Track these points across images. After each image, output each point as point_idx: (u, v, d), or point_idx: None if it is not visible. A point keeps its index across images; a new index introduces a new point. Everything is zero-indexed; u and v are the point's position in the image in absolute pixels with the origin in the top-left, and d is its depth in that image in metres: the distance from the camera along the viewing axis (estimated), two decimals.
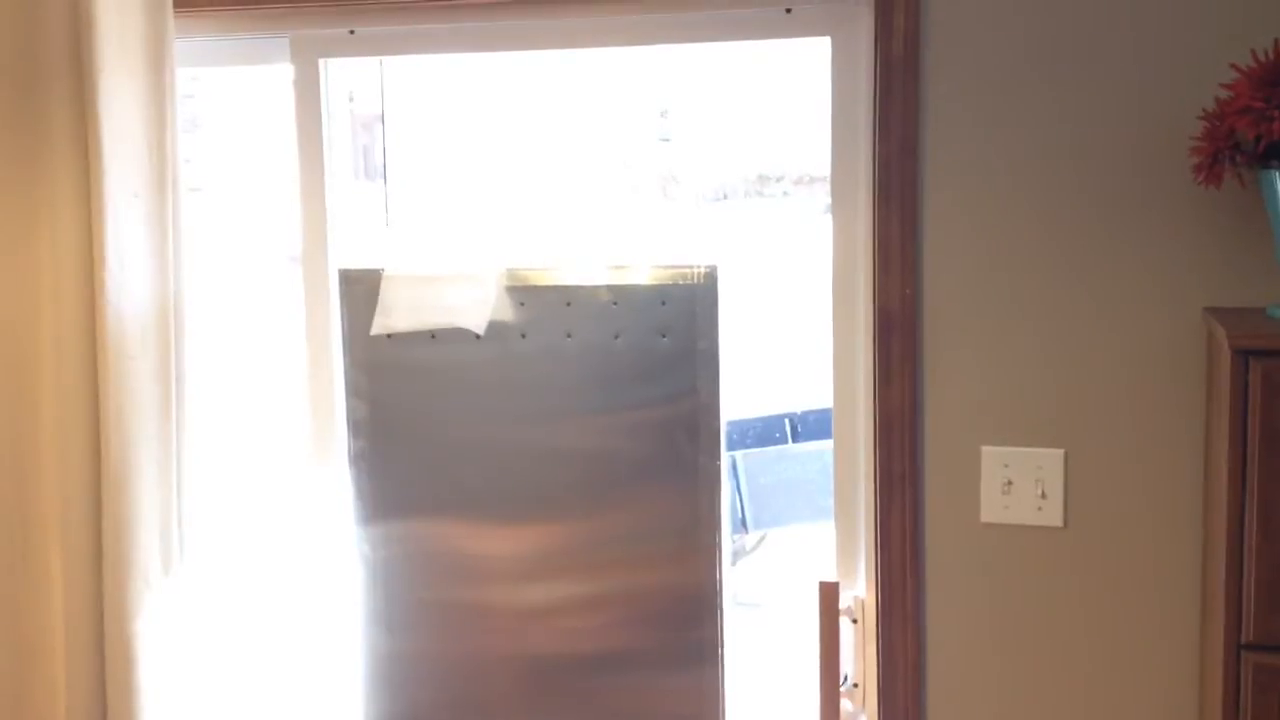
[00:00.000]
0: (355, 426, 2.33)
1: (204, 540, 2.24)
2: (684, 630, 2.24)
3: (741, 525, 4.96)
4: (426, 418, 2.31)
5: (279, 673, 2.36)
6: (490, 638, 2.30)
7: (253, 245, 2.32)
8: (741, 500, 4.95)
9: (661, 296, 2.21)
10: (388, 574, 2.34)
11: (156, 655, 2.19)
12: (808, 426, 5.22)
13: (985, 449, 1.94)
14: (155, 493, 2.16)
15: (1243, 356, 1.56)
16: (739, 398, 2.30)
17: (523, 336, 2.26)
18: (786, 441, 5.25)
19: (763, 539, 5.09)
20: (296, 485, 2.36)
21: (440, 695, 2.34)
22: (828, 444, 2.15)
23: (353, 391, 2.33)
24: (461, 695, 2.33)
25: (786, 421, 5.25)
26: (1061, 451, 1.91)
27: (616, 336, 2.23)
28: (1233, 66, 1.68)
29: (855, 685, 2.08)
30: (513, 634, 2.29)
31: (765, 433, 5.20)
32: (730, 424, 2.25)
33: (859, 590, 2.09)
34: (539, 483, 2.28)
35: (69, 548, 2.17)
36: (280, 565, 2.35)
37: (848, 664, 2.08)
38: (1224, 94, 1.70)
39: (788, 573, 4.84)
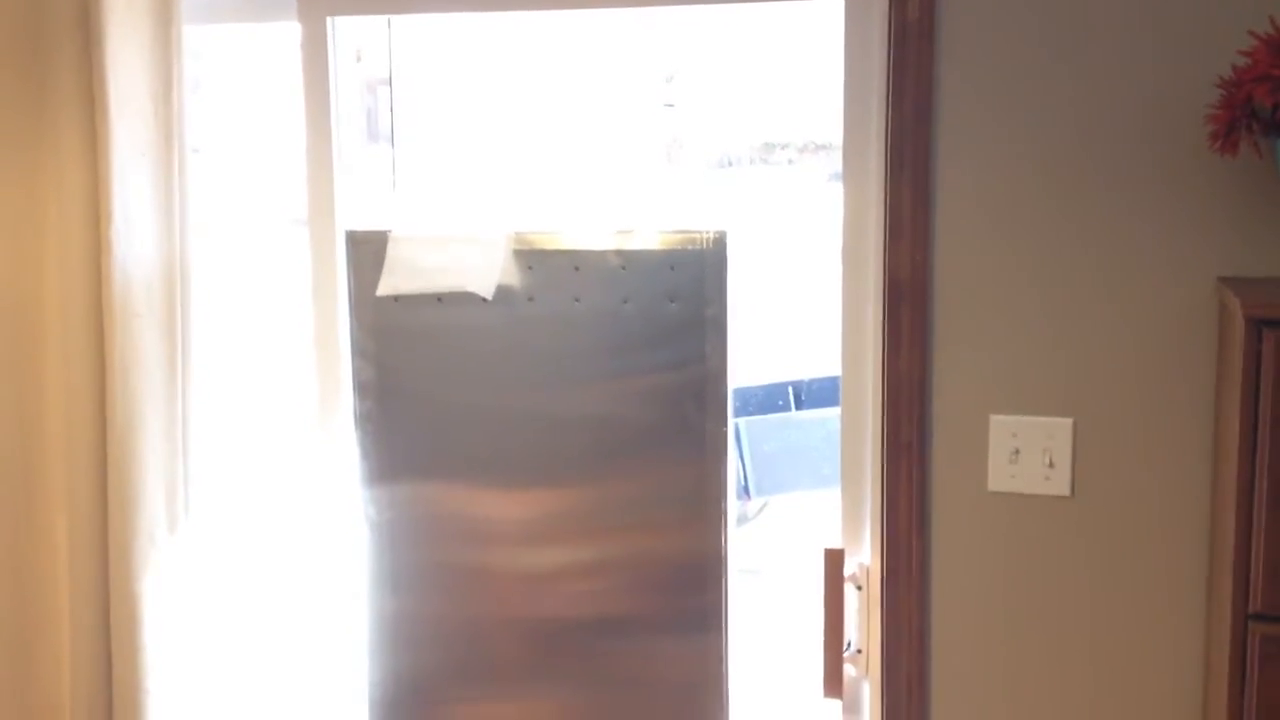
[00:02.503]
0: (361, 388, 2.33)
1: (210, 500, 2.24)
2: (688, 596, 2.24)
3: (744, 492, 4.97)
4: (433, 381, 2.30)
5: (284, 633, 2.37)
6: (495, 601, 2.31)
7: (256, 207, 2.30)
8: (744, 467, 4.95)
9: (670, 262, 2.20)
10: (393, 536, 2.34)
11: (162, 613, 2.20)
12: (811, 394, 5.21)
13: (994, 418, 1.93)
14: (160, 451, 2.16)
15: (1256, 325, 1.55)
16: (742, 365, 2.29)
17: (530, 300, 2.25)
18: (789, 409, 5.25)
19: (765, 506, 5.10)
20: (302, 446, 2.36)
21: (445, 657, 2.35)
22: (831, 412, 2.15)
23: (359, 353, 2.32)
24: (466, 657, 2.34)
25: (790, 389, 5.25)
26: (1070, 421, 1.90)
27: (625, 301, 2.22)
28: (1251, 34, 1.66)
29: (859, 651, 2.09)
30: (517, 597, 2.30)
31: (768, 400, 5.20)
32: (734, 391, 2.25)
33: (864, 557, 2.09)
34: (545, 447, 2.28)
35: (74, 506, 2.18)
36: (285, 526, 2.35)
37: (852, 630, 2.09)
38: (1242, 61, 1.68)
39: (790, 539, 4.85)
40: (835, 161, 2.08)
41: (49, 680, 2.27)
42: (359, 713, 2.40)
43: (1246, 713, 1.58)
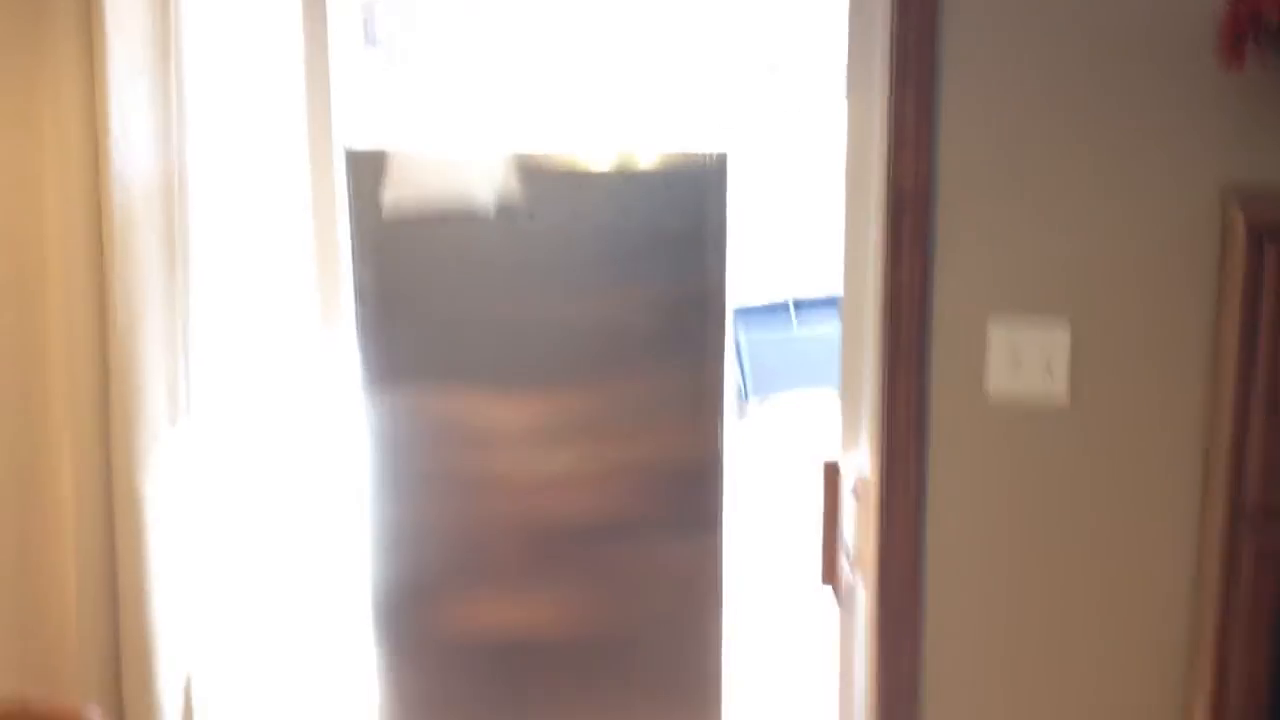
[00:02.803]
0: (362, 292, 2.34)
1: (211, 401, 2.26)
2: (686, 496, 2.27)
3: (743, 394, 5.02)
4: (434, 291, 2.32)
5: (286, 534, 2.40)
6: (496, 504, 2.34)
7: (254, 121, 2.29)
8: (744, 374, 5.00)
9: (671, 177, 2.21)
10: (395, 440, 2.36)
11: (164, 510, 2.22)
12: (811, 312, 5.25)
13: (993, 326, 1.94)
14: (161, 349, 2.18)
15: (1258, 237, 1.56)
16: (742, 283, 2.31)
17: (531, 216, 2.25)
18: (790, 326, 5.29)
19: (762, 404, 5.15)
20: (304, 352, 2.37)
21: (446, 559, 2.38)
22: (831, 328, 2.16)
23: (360, 262, 2.33)
24: (467, 559, 2.37)
25: (790, 306, 5.28)
26: (1070, 327, 1.91)
27: (626, 217, 2.22)
28: None
29: (856, 556, 2.12)
30: (518, 500, 2.33)
31: (769, 317, 5.24)
32: (735, 311, 2.26)
33: (862, 464, 2.11)
34: (545, 354, 2.29)
35: (76, 402, 2.20)
36: (288, 429, 2.37)
37: (848, 537, 2.12)
38: None
39: (788, 436, 4.91)
40: (838, 82, 2.07)
41: (53, 575, 2.29)
42: (362, 613, 2.44)
43: (1236, 613, 1.62)
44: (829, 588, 2.13)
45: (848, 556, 2.12)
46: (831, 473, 2.09)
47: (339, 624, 2.46)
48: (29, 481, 2.28)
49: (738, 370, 4.98)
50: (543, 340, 2.28)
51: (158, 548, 2.22)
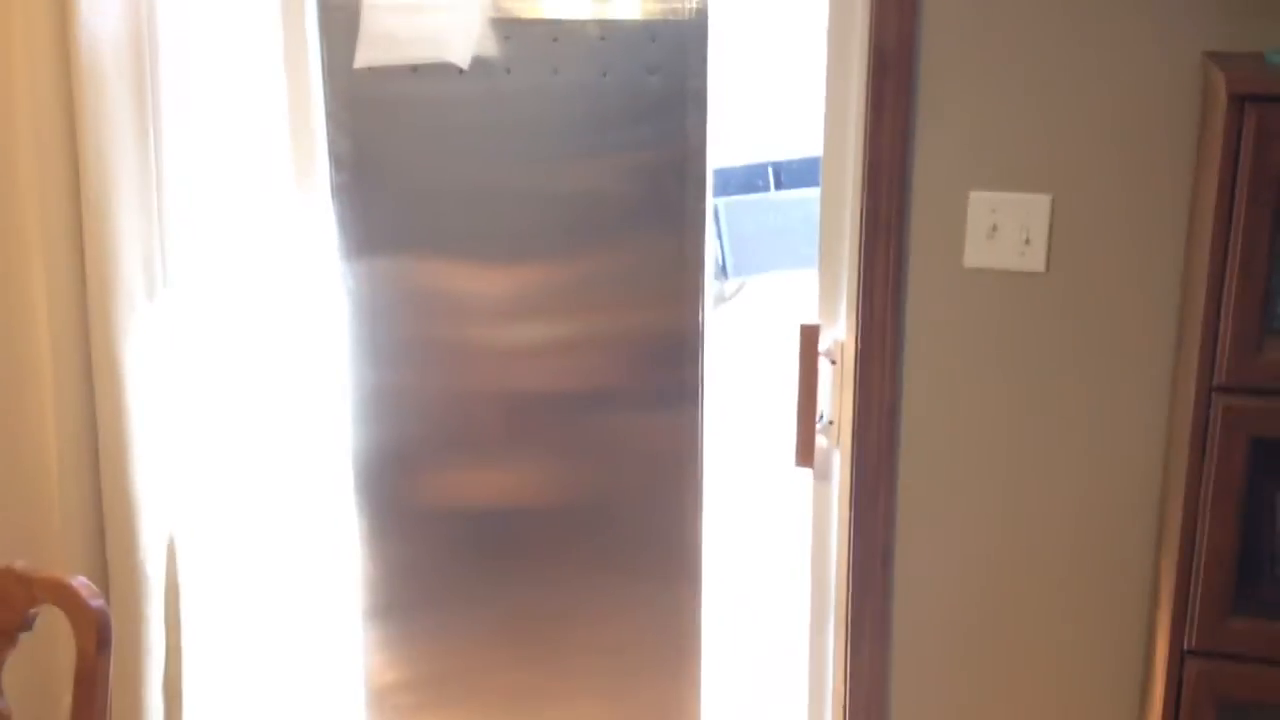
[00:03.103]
0: (337, 160, 2.31)
1: (189, 268, 2.25)
2: (665, 370, 2.28)
3: (722, 272, 4.99)
4: (410, 155, 2.28)
5: (265, 401, 2.40)
6: (475, 374, 2.34)
7: None
8: (722, 247, 4.96)
9: (651, 33, 2.16)
10: (373, 309, 2.35)
11: (144, 377, 2.22)
12: (790, 175, 5.19)
13: (973, 194, 1.93)
14: (136, 216, 2.16)
15: (1238, 101, 1.54)
16: (722, 145, 2.28)
17: (507, 72, 2.21)
18: (769, 190, 5.23)
19: (742, 287, 5.13)
20: (279, 218, 2.35)
21: (426, 428, 2.39)
22: (810, 192, 2.14)
23: (334, 124, 2.30)
24: (447, 428, 2.38)
25: (769, 169, 5.22)
26: (1049, 197, 1.91)
27: (604, 74, 2.18)
28: None
29: (831, 423, 2.13)
30: (497, 371, 2.33)
31: (747, 181, 5.18)
32: (713, 171, 2.24)
33: (839, 334, 2.12)
34: (524, 222, 2.27)
35: (52, 272, 2.18)
36: (265, 296, 2.36)
37: (824, 403, 2.13)
38: None
39: (766, 319, 4.91)
40: None
41: (35, 447, 2.30)
42: (342, 480, 2.46)
43: (1205, 481, 1.64)
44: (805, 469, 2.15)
45: (823, 426, 2.13)
46: (809, 336, 2.09)
47: (319, 491, 2.48)
48: (7, 355, 2.27)
49: (716, 242, 4.94)
50: (520, 207, 2.26)
51: (138, 417, 2.23)
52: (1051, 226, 1.92)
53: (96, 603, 1.61)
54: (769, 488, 4.29)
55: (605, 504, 2.36)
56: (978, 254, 1.95)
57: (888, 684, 2.17)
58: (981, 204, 1.93)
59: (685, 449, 2.31)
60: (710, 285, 2.30)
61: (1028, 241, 1.93)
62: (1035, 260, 1.93)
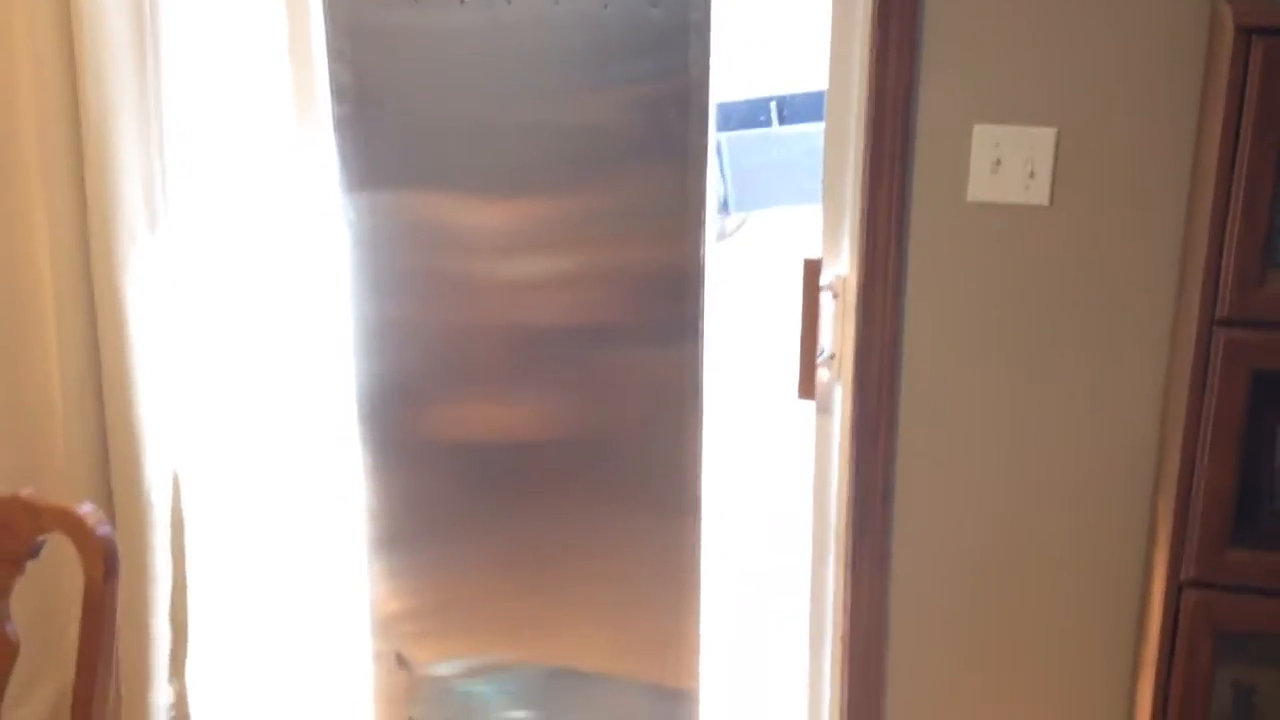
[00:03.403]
0: (338, 92, 2.29)
1: (189, 199, 2.24)
2: (667, 305, 2.28)
3: (724, 207, 4.96)
4: (411, 87, 2.27)
5: (268, 334, 2.41)
6: (476, 307, 2.34)
7: None
8: (725, 182, 4.93)
9: None
10: (374, 242, 2.35)
11: (146, 309, 2.23)
12: (793, 109, 5.14)
13: (978, 128, 1.92)
14: (136, 148, 2.15)
15: (1246, 34, 1.54)
16: (725, 79, 2.26)
17: (508, 2, 2.19)
18: (771, 124, 5.18)
19: (743, 222, 5.11)
20: (280, 150, 2.34)
21: (428, 361, 2.40)
22: (813, 127, 2.13)
23: (334, 56, 2.28)
24: (449, 361, 2.39)
25: (772, 104, 5.18)
26: (1054, 130, 1.90)
27: (605, 5, 2.17)
28: None
29: (832, 356, 2.14)
30: (499, 304, 2.33)
31: (750, 115, 5.13)
32: (716, 105, 2.22)
33: (842, 268, 2.12)
34: (525, 156, 2.26)
35: (53, 204, 2.18)
36: (267, 228, 2.36)
37: (826, 337, 2.14)
38: None
39: (768, 255, 4.89)
40: None
41: (38, 380, 2.31)
42: (346, 413, 2.47)
43: (1206, 414, 1.65)
44: (807, 401, 2.16)
45: (824, 359, 2.14)
46: (812, 270, 2.09)
47: (322, 424, 2.49)
48: (9, 288, 2.27)
49: (718, 177, 4.90)
50: (522, 143, 2.25)
51: (141, 348, 2.23)
52: (1056, 160, 1.91)
53: (103, 530, 1.62)
54: (769, 421, 4.30)
55: (606, 437, 2.37)
56: (981, 188, 1.95)
57: (886, 617, 2.19)
58: (986, 137, 1.92)
59: (686, 383, 2.31)
60: (712, 220, 2.30)
61: (1032, 175, 1.92)
62: (1039, 194, 1.93)
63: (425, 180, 2.31)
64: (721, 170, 4.91)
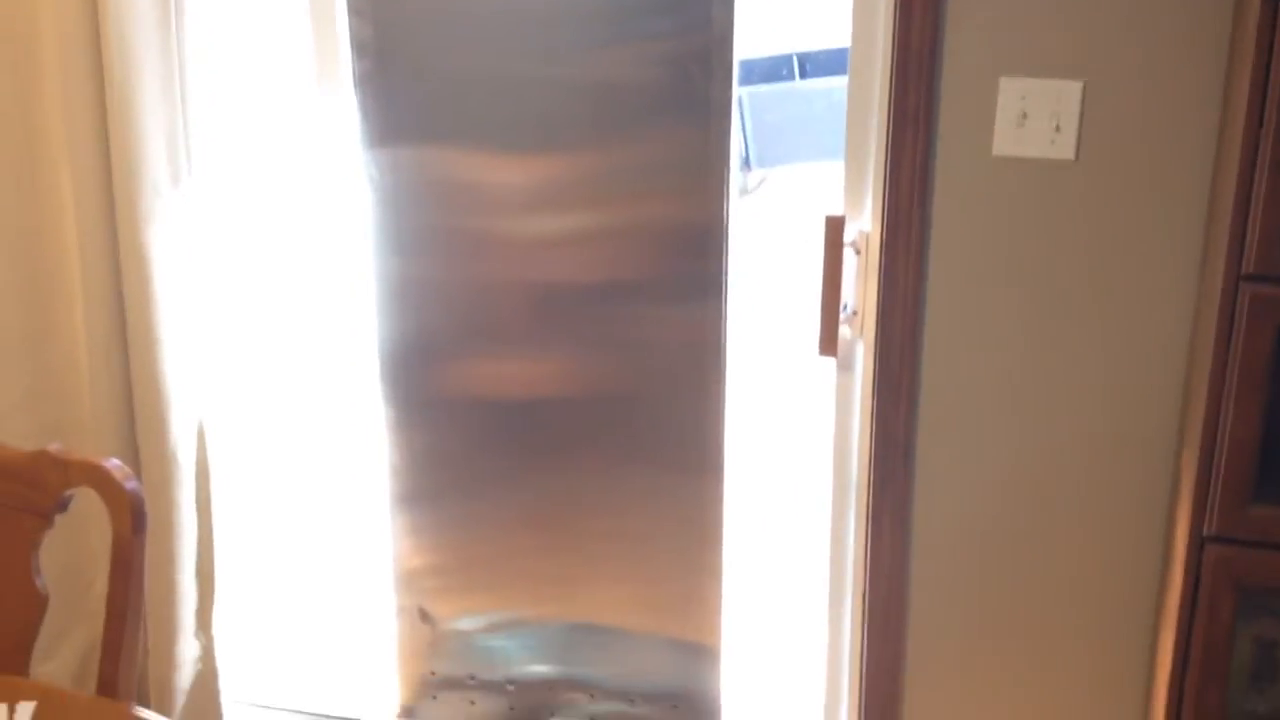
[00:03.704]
0: (359, 47, 2.29)
1: (212, 155, 2.25)
2: (689, 261, 2.27)
3: (745, 164, 4.93)
4: (432, 42, 2.26)
5: (290, 287, 2.42)
6: (499, 264, 2.34)
7: None
8: (746, 138, 4.89)
9: None
10: (397, 199, 2.35)
11: (171, 264, 2.24)
12: (815, 65, 5.10)
13: (1003, 80, 1.91)
14: (159, 103, 2.15)
15: None
16: (747, 35, 2.24)
17: None
18: (793, 79, 5.14)
19: (764, 179, 5.08)
20: (301, 106, 2.34)
21: (451, 318, 2.40)
22: (835, 81, 2.12)
23: (355, 11, 2.27)
24: (471, 318, 2.39)
25: (794, 59, 5.13)
26: (1080, 84, 1.88)
27: None
28: None
29: (855, 313, 2.14)
30: (521, 261, 2.33)
31: (771, 70, 5.09)
32: (737, 61, 2.21)
33: (865, 225, 2.11)
34: (548, 112, 2.26)
35: (77, 162, 2.19)
36: (289, 184, 2.36)
37: (849, 294, 2.13)
38: None
39: (789, 212, 4.87)
40: None
41: (64, 333, 2.33)
42: (370, 370, 2.48)
43: (1230, 369, 1.64)
44: (829, 358, 2.16)
45: (847, 316, 2.14)
46: (834, 227, 2.09)
47: (345, 380, 2.50)
48: (34, 242, 2.28)
49: (740, 133, 4.87)
50: (544, 99, 2.24)
51: (165, 304, 2.25)
52: (1083, 113, 1.89)
53: (131, 484, 1.64)
54: (791, 378, 4.30)
55: (628, 394, 2.37)
56: (1007, 142, 1.93)
57: (907, 572, 2.19)
58: (1012, 90, 1.91)
59: (709, 340, 2.31)
60: (735, 176, 2.29)
61: (1058, 129, 1.90)
62: (1065, 148, 1.91)
63: (446, 136, 2.30)
64: (742, 126, 4.87)
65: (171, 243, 2.23)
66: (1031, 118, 1.91)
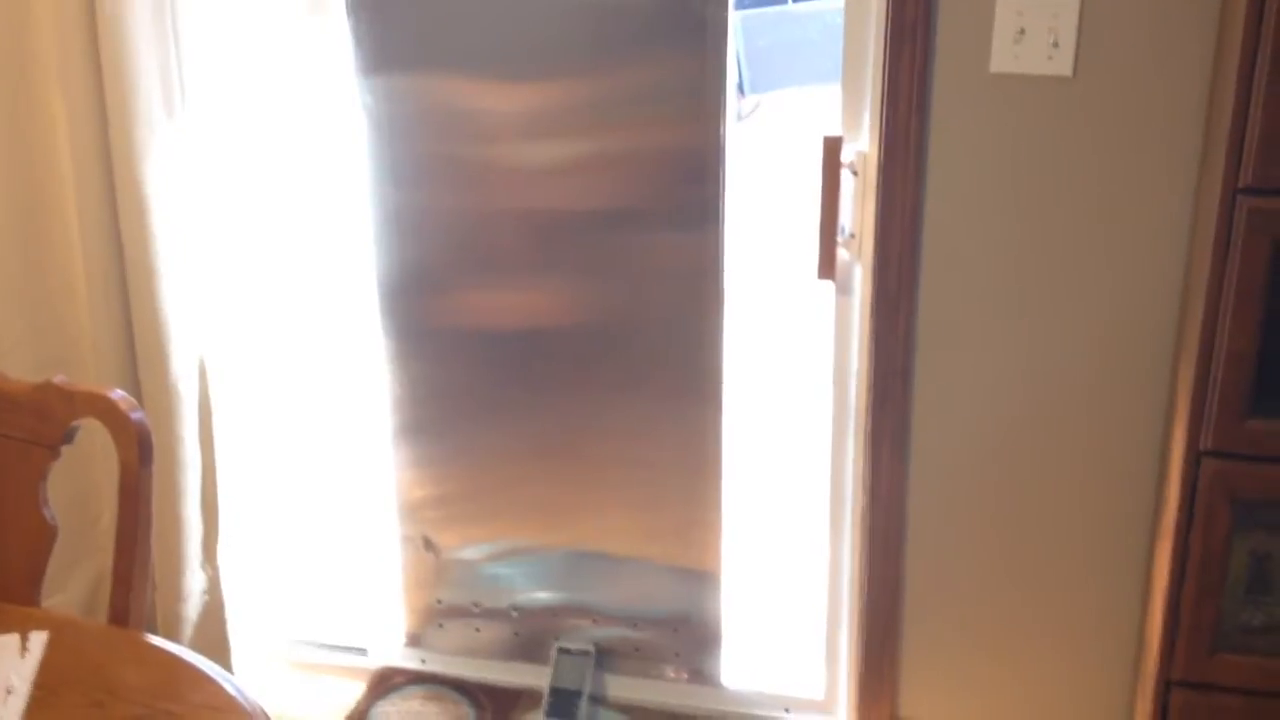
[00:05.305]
0: None
1: (206, 86, 2.23)
2: (687, 187, 2.27)
3: (739, 89, 4.88)
4: None
5: (288, 219, 2.41)
6: (496, 192, 2.33)
7: None
8: (739, 63, 4.84)
9: None
10: (392, 128, 2.34)
11: (167, 198, 2.23)
12: None
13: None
14: (152, 36, 2.14)
15: None
16: None
17: None
18: (785, 2, 5.07)
19: (758, 105, 5.03)
20: (294, 34, 2.32)
21: (448, 247, 2.40)
22: (828, 4, 2.10)
23: None
24: (468, 247, 2.39)
25: None
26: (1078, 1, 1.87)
27: None
28: None
29: (853, 236, 2.14)
30: (518, 189, 2.32)
31: None
32: None
33: (862, 145, 2.10)
34: (542, 37, 2.24)
35: (70, 96, 2.17)
36: (283, 115, 2.35)
37: (846, 216, 2.13)
38: None
39: (784, 137, 4.83)
40: None
41: (62, 268, 2.32)
42: (369, 301, 2.48)
43: (1227, 283, 1.65)
44: (827, 282, 2.16)
45: (844, 239, 2.13)
46: (832, 147, 2.08)
47: (345, 311, 2.50)
48: (30, 177, 2.27)
49: (733, 56, 4.84)
50: (539, 24, 2.22)
51: (163, 237, 2.24)
52: (1080, 29, 1.88)
53: (137, 415, 1.64)
54: (790, 303, 4.30)
55: (627, 322, 2.38)
56: (1004, 59, 1.92)
57: (905, 493, 2.21)
58: (1009, 5, 1.90)
59: (707, 266, 2.31)
60: (732, 101, 2.27)
61: (1055, 44, 1.89)
62: (1063, 64, 1.90)
63: (440, 63, 2.28)
64: (735, 50, 4.84)
65: (167, 176, 2.22)
66: (1029, 34, 1.90)
